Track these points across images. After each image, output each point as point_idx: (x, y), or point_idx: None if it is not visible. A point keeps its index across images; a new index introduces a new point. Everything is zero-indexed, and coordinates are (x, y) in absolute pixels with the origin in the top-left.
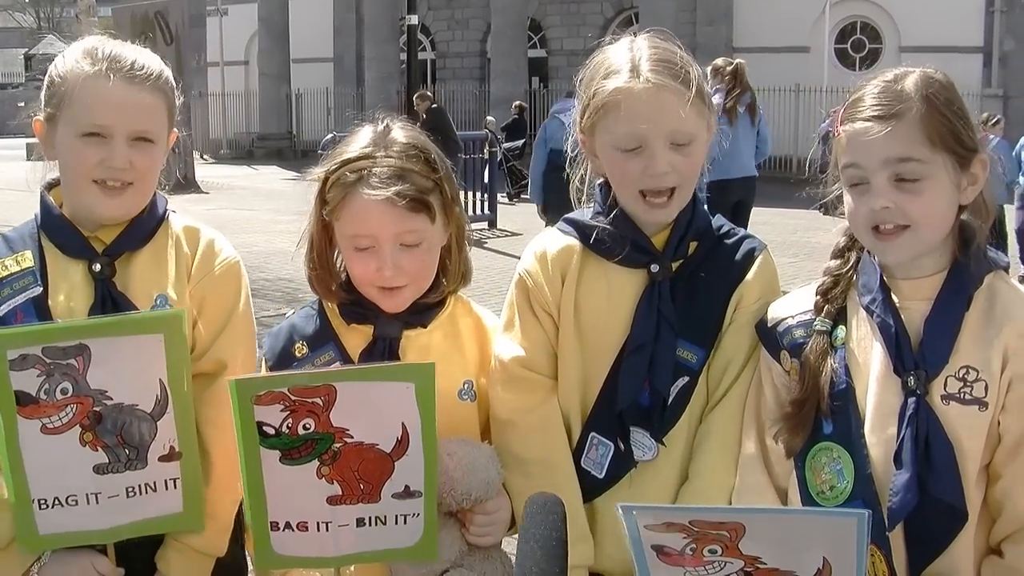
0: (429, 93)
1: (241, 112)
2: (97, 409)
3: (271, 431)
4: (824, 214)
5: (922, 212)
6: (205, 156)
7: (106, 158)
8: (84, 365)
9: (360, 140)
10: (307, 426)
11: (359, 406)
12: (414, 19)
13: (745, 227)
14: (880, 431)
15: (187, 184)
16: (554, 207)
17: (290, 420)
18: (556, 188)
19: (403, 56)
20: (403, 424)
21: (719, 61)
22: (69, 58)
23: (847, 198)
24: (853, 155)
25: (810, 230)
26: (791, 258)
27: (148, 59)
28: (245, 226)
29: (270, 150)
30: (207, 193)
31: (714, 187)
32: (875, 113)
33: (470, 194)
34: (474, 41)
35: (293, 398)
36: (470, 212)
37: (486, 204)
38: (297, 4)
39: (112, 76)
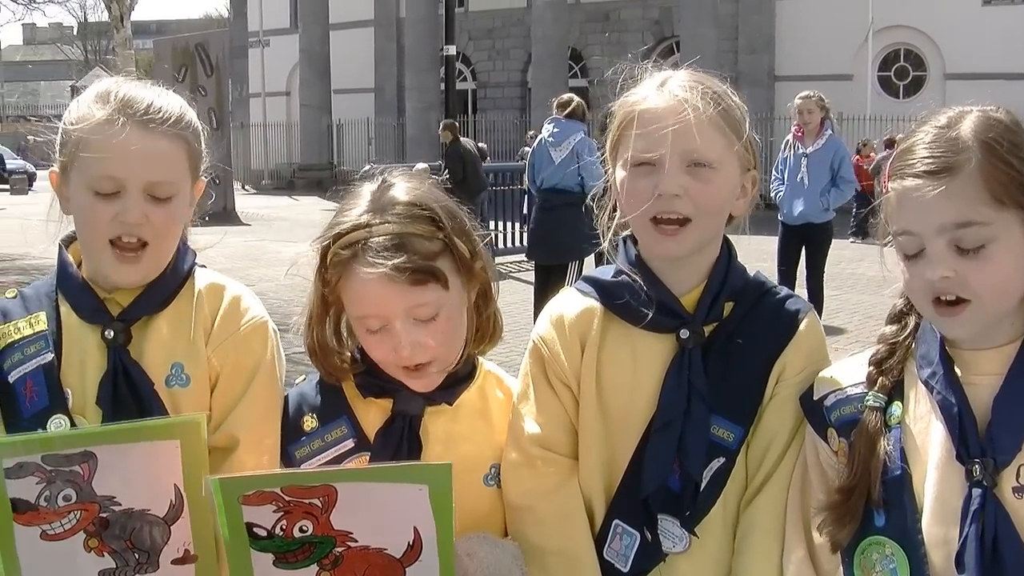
0: (454, 123)
1: (282, 143)
2: (104, 515)
3: (262, 533)
4: (861, 242)
5: (987, 283)
6: (246, 187)
7: (119, 212)
8: (90, 472)
9: (356, 206)
10: (304, 528)
11: (364, 508)
12: (452, 50)
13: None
14: (940, 527)
15: (227, 215)
16: None
17: (284, 522)
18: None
19: (444, 86)
20: (415, 528)
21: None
22: (83, 102)
23: (902, 266)
24: (905, 221)
25: (854, 261)
26: (834, 291)
27: (167, 101)
28: (284, 259)
29: (311, 180)
30: (248, 225)
31: None
32: (926, 168)
33: (508, 225)
34: (515, 71)
35: (287, 499)
36: (508, 244)
37: (524, 235)
38: (338, 35)
39: (125, 121)
